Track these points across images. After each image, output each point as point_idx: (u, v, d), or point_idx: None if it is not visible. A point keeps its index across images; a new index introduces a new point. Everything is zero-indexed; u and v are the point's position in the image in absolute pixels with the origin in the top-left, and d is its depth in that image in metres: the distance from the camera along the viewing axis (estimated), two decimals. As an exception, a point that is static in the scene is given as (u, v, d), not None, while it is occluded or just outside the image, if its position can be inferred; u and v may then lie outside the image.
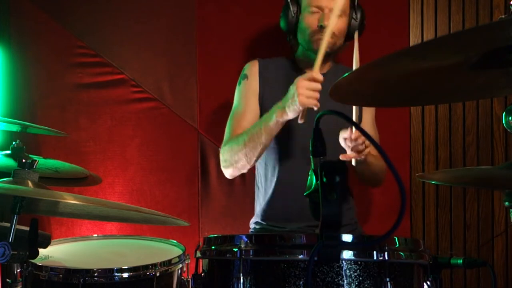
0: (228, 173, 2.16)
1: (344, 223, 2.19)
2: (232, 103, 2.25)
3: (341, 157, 1.91)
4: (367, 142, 1.91)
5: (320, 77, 1.88)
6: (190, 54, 2.59)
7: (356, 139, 1.88)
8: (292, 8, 2.12)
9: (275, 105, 1.96)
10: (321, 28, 2.01)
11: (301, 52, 2.19)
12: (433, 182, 2.41)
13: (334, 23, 1.94)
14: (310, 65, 2.14)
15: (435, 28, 2.60)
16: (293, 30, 2.15)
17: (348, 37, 2.14)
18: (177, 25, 2.60)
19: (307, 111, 1.90)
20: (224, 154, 2.12)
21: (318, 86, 1.87)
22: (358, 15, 2.14)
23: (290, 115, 1.91)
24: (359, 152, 1.90)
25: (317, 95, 1.86)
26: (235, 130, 2.14)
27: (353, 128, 1.88)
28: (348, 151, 1.92)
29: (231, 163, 2.09)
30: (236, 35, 2.59)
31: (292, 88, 1.89)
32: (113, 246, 1.93)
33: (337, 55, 2.24)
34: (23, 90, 2.62)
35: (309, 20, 2.08)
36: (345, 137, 1.91)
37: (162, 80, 2.60)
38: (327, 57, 2.11)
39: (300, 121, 1.91)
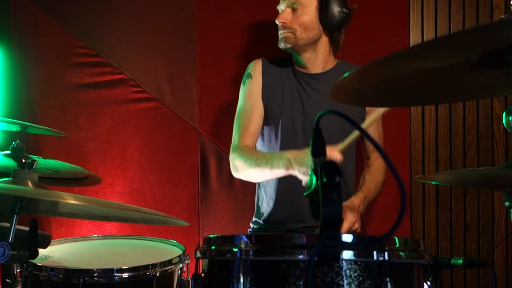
0: (237, 176, 2.18)
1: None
2: (232, 103, 2.25)
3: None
4: (356, 227, 1.98)
5: (339, 159, 1.83)
6: (190, 54, 2.59)
7: (347, 231, 1.94)
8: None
9: (287, 157, 1.95)
10: (279, 27, 2.12)
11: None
12: (433, 182, 2.41)
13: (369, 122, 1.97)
14: (299, 64, 2.20)
15: (435, 28, 2.60)
16: None
17: (326, 29, 2.12)
18: (177, 25, 2.60)
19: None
20: (234, 162, 2.13)
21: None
22: (331, 5, 2.10)
23: (297, 175, 1.92)
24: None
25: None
26: (243, 134, 2.15)
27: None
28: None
29: (241, 173, 2.14)
30: (236, 35, 2.59)
31: (308, 159, 1.86)
32: (113, 246, 1.93)
33: (338, 51, 2.22)
34: (23, 90, 2.62)
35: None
36: None
37: (162, 80, 2.60)
38: (310, 51, 2.14)
39: (303, 184, 1.91)
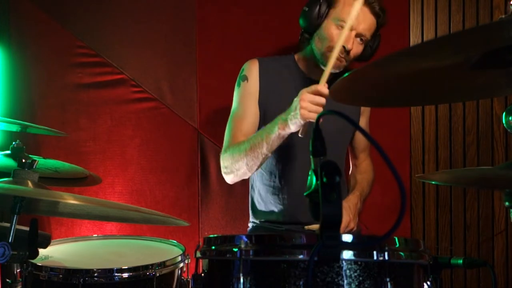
0: (229, 179, 2.11)
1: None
2: (232, 103, 2.25)
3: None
4: (351, 226, 1.99)
5: (325, 91, 1.81)
6: (190, 54, 2.59)
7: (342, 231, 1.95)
8: (321, 8, 2.01)
9: (278, 117, 1.90)
10: (343, 49, 1.95)
11: (308, 53, 2.12)
12: (433, 182, 2.41)
13: (342, 39, 1.85)
14: (309, 66, 2.14)
15: (435, 28, 2.60)
16: (311, 31, 2.06)
17: (356, 59, 2.08)
18: (177, 25, 2.60)
19: (309, 124, 1.83)
20: (225, 161, 2.07)
21: (322, 100, 1.80)
22: (375, 44, 2.08)
23: (292, 128, 1.85)
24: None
25: (320, 109, 1.79)
26: (235, 134, 2.08)
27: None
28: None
29: (232, 171, 2.05)
30: (236, 35, 2.59)
31: (296, 101, 1.84)
32: (113, 246, 1.93)
33: None
34: (23, 90, 2.62)
35: (333, 33, 1.99)
36: None
37: (162, 80, 2.60)
38: None
39: (300, 135, 1.86)
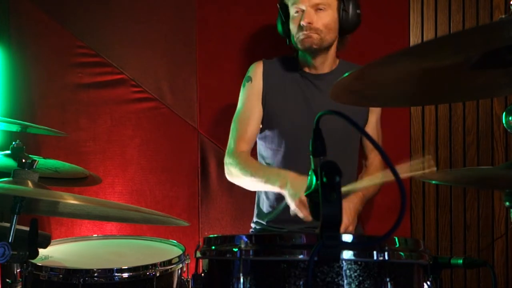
0: (230, 179, 2.18)
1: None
2: (232, 103, 2.25)
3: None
4: (350, 229, 1.97)
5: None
6: (190, 54, 2.59)
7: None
8: (282, 14, 2.15)
9: (286, 176, 1.93)
10: (302, 27, 2.05)
11: (299, 53, 2.18)
12: (433, 182, 2.41)
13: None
14: (308, 65, 2.15)
15: (435, 28, 2.60)
16: (287, 35, 2.17)
17: (343, 30, 2.13)
18: (177, 25, 2.60)
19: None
20: (229, 169, 2.13)
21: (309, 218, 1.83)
22: (350, 7, 2.10)
23: (286, 198, 1.90)
24: None
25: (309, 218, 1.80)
26: (241, 136, 2.15)
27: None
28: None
29: (234, 179, 2.14)
30: (236, 35, 2.59)
31: (291, 204, 1.86)
32: (113, 246, 1.93)
33: (340, 51, 2.22)
34: (23, 90, 2.62)
35: (293, 22, 2.11)
36: None
37: (162, 80, 2.60)
38: (324, 53, 2.13)
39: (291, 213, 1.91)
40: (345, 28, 2.12)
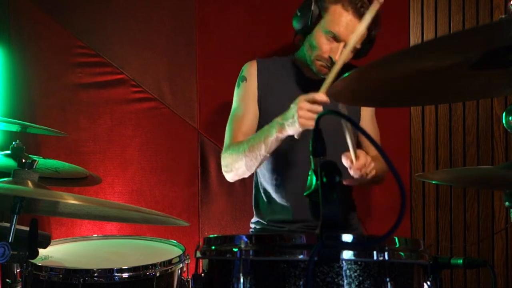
0: (229, 177, 2.14)
1: (349, 222, 2.21)
2: (232, 103, 2.25)
3: (345, 183, 1.88)
4: (371, 167, 1.85)
5: (324, 99, 1.80)
6: (190, 54, 2.59)
7: (360, 169, 1.83)
8: (314, 14, 2.00)
9: (276, 120, 1.91)
10: (330, 60, 1.97)
11: (302, 54, 2.14)
12: (433, 182, 2.41)
13: (345, 57, 1.88)
14: (306, 65, 2.14)
15: (435, 28, 2.60)
16: (304, 33, 2.07)
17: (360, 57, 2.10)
18: (177, 25, 2.60)
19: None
20: (225, 160, 2.10)
21: (319, 108, 1.81)
22: (368, 46, 2.07)
23: (290, 132, 1.87)
24: (364, 176, 1.86)
25: None
26: (235, 134, 2.12)
27: (353, 157, 1.81)
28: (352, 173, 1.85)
29: (231, 169, 2.08)
30: (236, 35, 2.59)
31: (293, 108, 1.84)
32: (113, 246, 1.93)
33: None
34: (23, 90, 2.62)
35: (322, 42, 2.00)
36: (349, 166, 1.84)
37: (162, 80, 2.60)
38: None
39: (297, 137, 1.87)
40: (359, 56, 2.09)
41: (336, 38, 1.98)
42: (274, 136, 1.90)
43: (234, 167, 2.05)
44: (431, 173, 2.43)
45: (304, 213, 2.09)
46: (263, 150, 1.95)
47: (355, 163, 1.83)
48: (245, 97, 2.17)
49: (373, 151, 2.14)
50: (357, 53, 2.06)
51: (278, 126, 1.89)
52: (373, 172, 1.89)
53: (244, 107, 2.16)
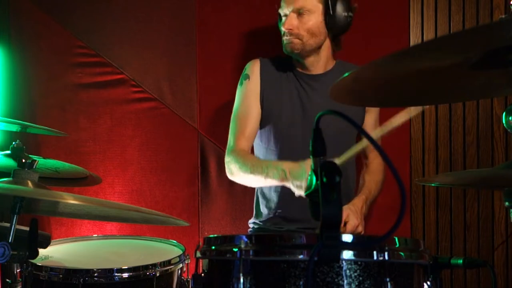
0: (231, 178, 2.18)
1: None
2: (232, 103, 2.25)
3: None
4: (359, 230, 1.98)
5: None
6: (190, 54, 2.59)
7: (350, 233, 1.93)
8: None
9: (283, 167, 1.93)
10: (284, 33, 2.09)
11: None
12: (433, 184, 2.41)
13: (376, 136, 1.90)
14: (301, 66, 2.18)
15: (435, 28, 2.60)
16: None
17: (332, 33, 2.14)
18: (177, 25, 2.60)
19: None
20: (230, 166, 2.12)
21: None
22: (337, 10, 2.09)
23: (291, 188, 1.91)
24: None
25: None
26: (238, 137, 2.15)
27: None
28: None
29: (235, 177, 2.13)
30: (236, 35, 2.59)
31: (304, 173, 1.85)
32: (113, 246, 1.93)
33: (340, 51, 2.22)
34: (23, 90, 2.61)
35: (281, 26, 2.13)
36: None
37: (162, 80, 2.60)
38: (314, 55, 2.13)
39: (296, 195, 1.91)
40: (333, 31, 2.12)
41: (284, 15, 2.10)
42: (275, 180, 1.97)
43: (238, 177, 2.12)
44: (431, 177, 2.44)
45: (303, 213, 2.10)
46: (263, 182, 2.05)
47: (343, 229, 1.91)
48: (247, 95, 2.19)
49: (373, 153, 2.16)
50: (327, 22, 2.10)
51: (282, 175, 1.93)
52: (362, 231, 2.01)
53: (247, 106, 2.18)
